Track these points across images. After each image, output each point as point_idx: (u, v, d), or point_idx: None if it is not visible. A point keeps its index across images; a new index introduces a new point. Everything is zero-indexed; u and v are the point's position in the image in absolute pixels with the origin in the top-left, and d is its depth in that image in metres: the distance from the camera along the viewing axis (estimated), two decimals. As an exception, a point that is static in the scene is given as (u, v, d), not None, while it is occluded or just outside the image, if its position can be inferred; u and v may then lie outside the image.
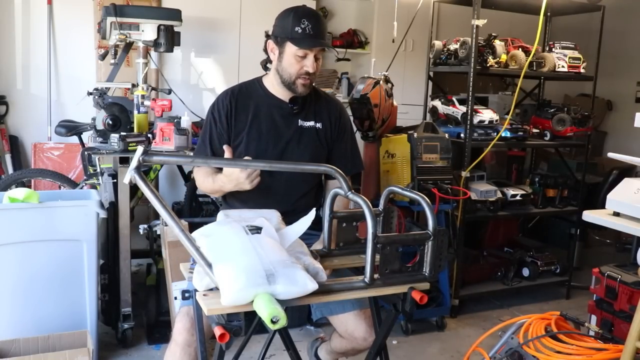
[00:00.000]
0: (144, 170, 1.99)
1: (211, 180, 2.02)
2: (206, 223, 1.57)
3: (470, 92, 3.21)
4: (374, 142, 3.30)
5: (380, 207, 1.69)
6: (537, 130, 3.67)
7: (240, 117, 2.06)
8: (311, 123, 2.10)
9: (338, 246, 1.73)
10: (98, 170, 2.81)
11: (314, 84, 2.11)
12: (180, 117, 2.89)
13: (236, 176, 1.90)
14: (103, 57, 3.41)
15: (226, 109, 2.06)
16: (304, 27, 1.92)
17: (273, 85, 2.09)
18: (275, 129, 2.07)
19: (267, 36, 2.06)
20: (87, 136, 3.36)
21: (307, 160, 2.05)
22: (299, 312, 3.03)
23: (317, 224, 1.69)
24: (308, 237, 1.73)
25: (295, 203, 2.06)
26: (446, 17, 5.05)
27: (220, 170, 2.01)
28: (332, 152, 2.16)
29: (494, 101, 4.01)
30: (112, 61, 3.33)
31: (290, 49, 1.96)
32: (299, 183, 2.08)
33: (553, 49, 3.58)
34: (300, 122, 2.09)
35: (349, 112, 3.31)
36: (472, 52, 3.16)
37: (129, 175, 1.35)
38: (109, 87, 3.36)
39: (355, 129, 3.35)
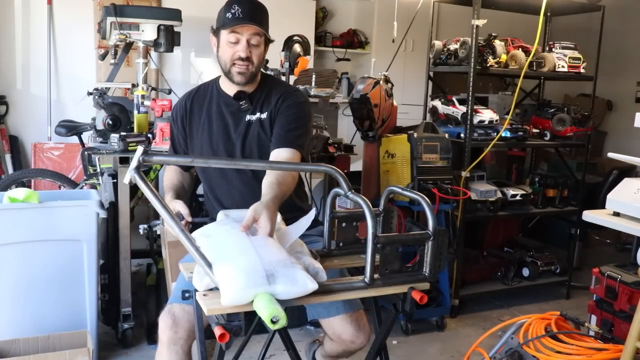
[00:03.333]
0: (144, 170, 1.98)
1: (169, 179, 2.06)
2: (206, 223, 1.58)
3: (470, 92, 3.21)
4: (374, 142, 3.30)
5: (380, 207, 1.69)
6: (537, 130, 3.66)
7: (195, 118, 2.05)
8: (257, 116, 2.01)
9: (338, 246, 1.73)
10: (98, 170, 2.81)
11: (263, 76, 2.06)
12: (180, 117, 2.89)
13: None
14: (103, 57, 3.41)
15: (182, 112, 2.06)
16: (233, 12, 1.88)
17: (224, 82, 2.04)
18: (225, 127, 2.02)
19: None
20: (87, 136, 3.36)
21: (256, 154, 1.99)
22: (299, 312, 3.02)
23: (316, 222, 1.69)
24: (306, 237, 1.72)
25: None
26: (446, 17, 5.06)
27: (185, 169, 2.11)
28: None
29: (494, 101, 4.01)
30: (112, 61, 3.34)
31: (223, 35, 1.92)
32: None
33: (553, 49, 3.58)
34: (248, 117, 2.01)
35: (349, 112, 3.33)
36: (472, 52, 3.16)
37: (129, 175, 1.35)
38: (109, 87, 3.37)
39: (355, 128, 3.38)
